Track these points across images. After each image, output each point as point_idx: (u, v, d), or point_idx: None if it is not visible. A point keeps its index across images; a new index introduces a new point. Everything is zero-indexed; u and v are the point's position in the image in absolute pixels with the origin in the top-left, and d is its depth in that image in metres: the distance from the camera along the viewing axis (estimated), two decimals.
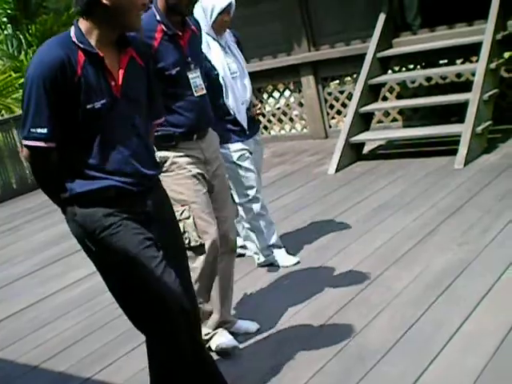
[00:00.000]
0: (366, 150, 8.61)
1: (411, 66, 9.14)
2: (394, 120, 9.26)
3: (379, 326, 4.12)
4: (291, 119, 10.46)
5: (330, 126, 9.93)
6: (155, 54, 3.78)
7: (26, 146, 3.01)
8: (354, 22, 9.21)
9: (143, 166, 3.13)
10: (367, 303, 4.41)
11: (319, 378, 3.68)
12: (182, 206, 3.89)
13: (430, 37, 8.60)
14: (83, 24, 3.02)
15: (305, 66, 9.76)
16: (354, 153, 8.30)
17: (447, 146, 7.67)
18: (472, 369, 3.44)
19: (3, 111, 16.44)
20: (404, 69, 9.18)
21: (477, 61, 7.79)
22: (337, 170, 7.96)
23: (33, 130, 2.94)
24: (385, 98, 9.20)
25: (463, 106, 7.54)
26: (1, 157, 10.83)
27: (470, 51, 8.18)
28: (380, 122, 9.34)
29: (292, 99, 10.30)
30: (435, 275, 4.63)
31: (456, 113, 8.11)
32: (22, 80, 16.92)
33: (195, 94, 4.00)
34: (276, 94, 10.57)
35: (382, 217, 6.06)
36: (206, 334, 4.09)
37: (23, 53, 17.54)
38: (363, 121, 8.49)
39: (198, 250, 3.93)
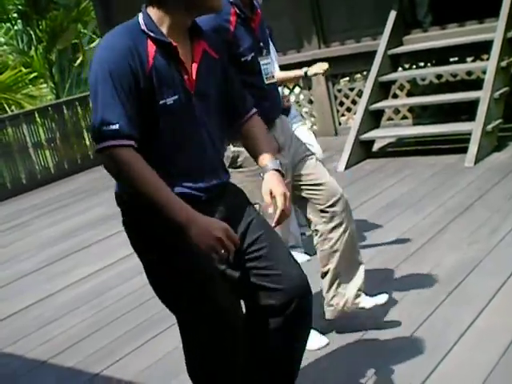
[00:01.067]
0: (375, 147, 8.59)
1: (421, 64, 9.10)
2: (404, 118, 9.23)
3: (390, 323, 4.10)
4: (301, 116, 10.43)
5: (340, 124, 9.90)
6: (232, 40, 3.52)
7: (101, 150, 2.60)
8: (364, 19, 9.19)
9: (213, 172, 2.85)
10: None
11: (328, 374, 3.67)
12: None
13: (440, 34, 8.56)
14: (153, 12, 2.75)
15: (315, 63, 9.69)
16: (363, 150, 8.27)
17: (457, 144, 7.64)
18: (483, 366, 3.42)
19: (13, 106, 16.52)
20: (414, 66, 9.14)
21: (487, 59, 7.75)
22: (346, 168, 7.94)
23: (104, 127, 2.58)
24: (395, 96, 9.16)
25: (473, 104, 7.51)
26: (10, 152, 10.83)
27: (480, 49, 8.14)
28: (390, 119, 9.30)
29: (302, 96, 10.28)
30: (445, 273, 4.61)
31: (466, 111, 8.07)
32: (33, 75, 17.03)
33: (266, 82, 3.72)
34: (286, 91, 10.53)
35: (391, 215, 6.04)
36: None
37: (33, 48, 17.60)
38: (373, 118, 8.47)
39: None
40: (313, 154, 4.03)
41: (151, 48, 2.68)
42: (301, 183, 3.87)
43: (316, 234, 3.95)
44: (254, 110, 3.08)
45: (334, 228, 3.90)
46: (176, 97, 2.69)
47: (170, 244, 2.71)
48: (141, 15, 2.80)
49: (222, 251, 2.59)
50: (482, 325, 3.85)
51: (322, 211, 3.89)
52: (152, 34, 2.70)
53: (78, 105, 11.81)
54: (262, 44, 3.71)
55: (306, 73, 4.87)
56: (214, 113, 2.88)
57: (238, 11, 3.61)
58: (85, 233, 7.51)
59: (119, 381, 4.10)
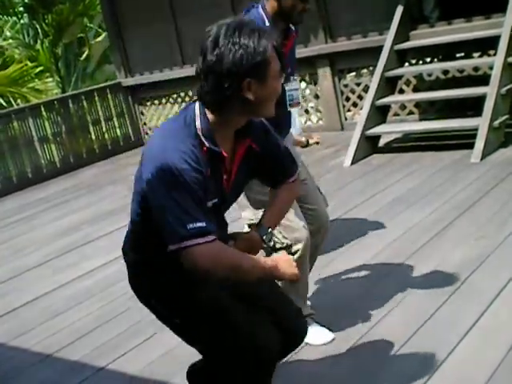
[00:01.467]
0: (381, 142, 8.57)
1: (428, 59, 9.08)
2: (411, 113, 9.21)
3: (395, 319, 4.10)
4: (307, 111, 10.42)
5: (346, 119, 9.89)
6: None
7: (187, 252, 2.59)
8: (371, 13, 9.16)
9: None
10: (383, 296, 4.37)
11: (333, 369, 3.67)
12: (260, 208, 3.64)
13: (447, 30, 8.53)
14: (210, 116, 2.72)
15: (321, 57, 9.71)
16: (369, 145, 8.26)
17: (463, 140, 7.62)
18: (489, 362, 3.41)
19: (19, 100, 16.55)
20: (421, 62, 9.12)
21: (494, 54, 7.72)
22: (352, 163, 7.93)
23: (190, 225, 2.56)
24: (401, 91, 9.14)
25: (479, 99, 7.49)
26: (16, 146, 10.83)
27: (487, 44, 8.11)
28: (396, 114, 9.28)
29: (308, 91, 10.27)
30: (452, 269, 4.60)
31: (472, 107, 8.05)
32: (38, 69, 17.04)
33: (288, 108, 3.80)
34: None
35: (397, 210, 6.03)
36: None
37: (39, 42, 17.62)
38: (379, 113, 8.45)
39: (286, 251, 3.70)
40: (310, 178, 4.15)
41: (204, 154, 2.68)
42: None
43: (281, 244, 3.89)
44: (293, 178, 3.13)
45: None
46: (216, 200, 2.76)
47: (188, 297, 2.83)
48: (197, 114, 2.74)
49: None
50: (487, 322, 3.84)
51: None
52: (207, 144, 2.69)
53: (83, 99, 11.80)
54: (289, 70, 3.73)
55: (307, 141, 4.87)
56: (239, 193, 3.08)
57: None
58: (90, 227, 7.51)
59: (124, 375, 4.10)
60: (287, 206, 3.20)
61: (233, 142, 2.82)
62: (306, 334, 3.16)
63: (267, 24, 3.64)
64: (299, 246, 3.74)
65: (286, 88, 3.70)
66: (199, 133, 2.69)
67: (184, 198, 2.58)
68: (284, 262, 2.80)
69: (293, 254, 3.71)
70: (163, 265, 2.80)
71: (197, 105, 2.75)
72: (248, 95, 2.64)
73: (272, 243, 3.23)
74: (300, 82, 10.10)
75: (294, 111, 4.44)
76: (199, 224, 2.57)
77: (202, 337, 2.89)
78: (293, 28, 3.86)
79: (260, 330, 2.81)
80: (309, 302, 4.10)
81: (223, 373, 2.90)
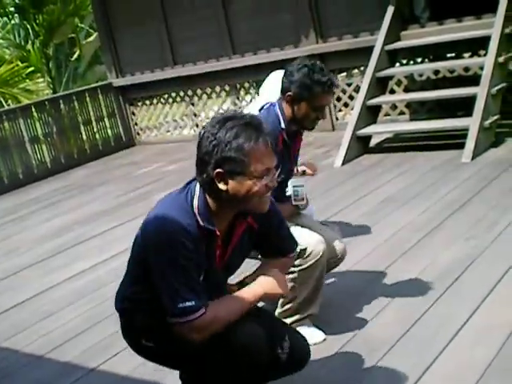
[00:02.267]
0: (372, 142, 8.58)
1: (419, 59, 9.11)
2: (402, 113, 9.23)
3: (386, 319, 4.11)
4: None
5: (337, 119, 9.90)
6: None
7: (179, 327, 2.79)
8: (362, 14, 9.18)
9: None
10: (374, 296, 4.39)
11: (325, 370, 3.67)
12: None
13: (438, 30, 8.55)
14: (207, 196, 2.85)
15: (312, 57, 9.68)
16: (360, 146, 8.27)
17: (454, 140, 7.63)
18: (479, 362, 3.42)
19: (10, 101, 16.50)
20: (412, 62, 9.15)
21: (485, 54, 7.76)
22: (343, 163, 7.94)
23: (182, 304, 2.74)
24: (392, 91, 9.17)
25: (470, 100, 7.51)
26: (7, 146, 10.81)
27: (478, 45, 8.15)
28: (387, 114, 9.30)
29: None
30: (442, 269, 4.62)
31: (463, 107, 8.07)
32: (29, 70, 17.00)
33: (293, 203, 3.94)
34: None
35: (388, 210, 6.04)
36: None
37: (30, 42, 17.58)
38: (370, 114, 8.46)
39: (301, 256, 3.74)
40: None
41: (200, 232, 2.79)
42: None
43: None
44: (291, 254, 3.25)
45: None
46: (203, 274, 2.84)
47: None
48: (196, 195, 2.86)
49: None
50: (477, 321, 3.85)
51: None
52: (201, 222, 2.80)
53: (74, 99, 11.78)
54: (293, 166, 3.97)
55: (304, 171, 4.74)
56: (236, 268, 3.14)
57: (285, 137, 3.80)
58: (82, 227, 7.50)
59: (116, 375, 4.10)
60: (280, 283, 3.14)
61: (231, 221, 2.94)
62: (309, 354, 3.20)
63: (282, 124, 3.80)
64: (316, 258, 3.78)
65: (291, 185, 3.87)
66: (196, 211, 2.81)
67: (177, 275, 2.75)
68: (269, 284, 2.91)
69: (306, 262, 3.76)
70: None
71: (198, 184, 2.88)
72: (221, 186, 2.76)
73: None
74: None
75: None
76: (188, 304, 2.74)
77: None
78: (301, 131, 4.00)
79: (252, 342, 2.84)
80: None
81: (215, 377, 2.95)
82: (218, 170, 2.73)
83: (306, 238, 3.76)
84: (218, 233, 2.85)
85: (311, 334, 3.94)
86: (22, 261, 6.77)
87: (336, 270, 4.91)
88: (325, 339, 3.96)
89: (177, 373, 3.30)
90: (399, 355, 3.66)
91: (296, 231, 3.57)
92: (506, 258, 4.56)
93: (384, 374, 3.54)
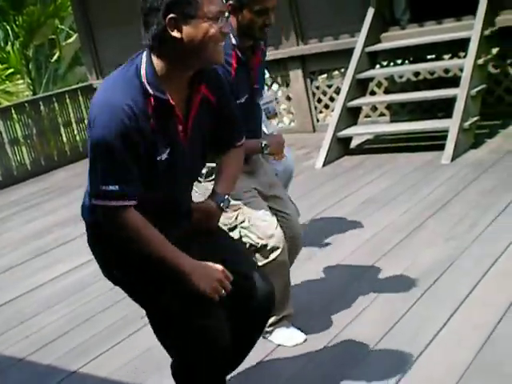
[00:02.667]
0: (353, 144, 8.60)
1: (399, 61, 9.13)
2: (382, 115, 9.25)
3: (366, 320, 4.12)
4: (278, 113, 10.43)
5: (318, 120, 9.90)
6: (232, 83, 3.48)
7: (97, 206, 2.71)
8: (342, 16, 9.19)
9: (186, 214, 2.99)
10: (354, 297, 4.40)
11: (307, 369, 3.68)
12: (234, 211, 3.66)
13: (418, 32, 8.59)
14: (156, 61, 2.69)
15: (293, 59, 9.73)
16: (341, 147, 8.29)
17: (434, 141, 7.67)
18: (459, 363, 3.44)
19: None
20: (392, 63, 9.18)
21: (465, 56, 7.79)
22: (324, 165, 7.95)
23: (104, 187, 2.63)
24: (373, 93, 9.19)
25: (450, 101, 7.55)
26: None
27: (458, 47, 8.18)
28: (368, 116, 9.32)
29: (280, 93, 10.28)
30: (422, 270, 4.63)
31: (443, 108, 8.12)
32: (9, 71, 16.92)
33: (268, 120, 3.86)
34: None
35: (369, 211, 6.06)
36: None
37: (10, 44, 17.48)
38: (351, 115, 8.48)
39: (262, 252, 3.71)
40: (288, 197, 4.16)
41: (151, 105, 2.65)
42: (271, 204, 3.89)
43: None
44: (240, 142, 3.13)
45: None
46: (169, 150, 2.71)
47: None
48: (143, 62, 2.72)
49: (222, 291, 2.75)
50: (457, 322, 3.87)
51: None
52: (150, 91, 2.65)
53: (54, 101, 11.71)
54: (256, 85, 3.75)
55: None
56: (199, 156, 2.94)
57: (239, 54, 3.63)
58: (63, 229, 7.47)
59: (97, 378, 4.09)
60: (237, 172, 3.19)
61: (187, 92, 2.79)
62: (272, 292, 3.13)
63: (233, 40, 3.63)
64: (277, 253, 3.72)
65: (261, 103, 3.73)
66: (144, 81, 2.66)
67: (108, 158, 2.61)
68: (202, 276, 2.74)
69: (267, 258, 3.71)
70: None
71: (145, 53, 2.75)
72: (175, 33, 2.61)
73: (228, 209, 3.20)
74: (272, 83, 10.12)
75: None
76: (111, 188, 2.62)
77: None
78: (262, 44, 3.87)
79: (212, 323, 2.79)
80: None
81: (181, 365, 2.94)
82: (170, 15, 2.59)
83: (265, 232, 3.70)
84: (171, 102, 2.68)
85: (291, 336, 3.95)
86: (3, 263, 6.73)
87: (316, 270, 4.94)
88: (305, 340, 3.97)
89: (158, 376, 3.29)
90: (379, 357, 3.68)
91: (256, 222, 3.60)
92: (485, 258, 4.59)
93: (364, 375, 3.54)
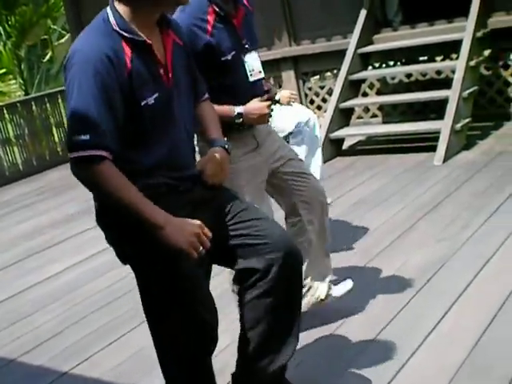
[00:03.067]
0: (345, 145, 8.61)
1: (391, 63, 9.15)
2: (374, 116, 9.27)
3: (357, 321, 4.13)
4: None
5: None
6: (210, 39, 3.44)
7: (72, 160, 2.66)
8: (335, 17, 9.20)
9: (188, 163, 2.93)
10: (345, 298, 4.39)
11: (298, 370, 3.67)
12: None
13: (410, 33, 8.60)
14: (121, 8, 2.71)
15: (285, 60, 9.74)
16: (333, 148, 8.29)
17: (426, 143, 7.69)
18: (450, 364, 3.45)
19: None
20: (384, 65, 9.19)
21: (457, 58, 7.81)
22: None
23: (75, 137, 2.59)
24: (365, 94, 9.20)
25: (442, 102, 7.57)
26: None
27: (450, 48, 8.19)
28: (360, 117, 9.33)
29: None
30: (414, 271, 4.64)
31: (435, 110, 8.13)
32: (1, 71, 16.90)
33: (250, 79, 3.64)
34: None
35: (360, 213, 6.07)
36: None
37: (2, 44, 17.45)
38: (343, 116, 8.50)
39: None
40: (300, 158, 4.06)
41: (127, 49, 2.66)
42: (286, 176, 3.85)
43: (293, 225, 3.94)
44: (207, 95, 3.14)
45: (310, 220, 3.90)
46: (156, 94, 2.71)
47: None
48: (110, 12, 2.75)
49: (201, 248, 2.65)
50: (448, 324, 3.88)
51: (305, 202, 3.89)
52: (125, 34, 2.68)
53: (47, 101, 11.70)
54: (244, 41, 3.62)
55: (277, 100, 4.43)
56: (186, 102, 2.91)
57: (216, 9, 3.50)
58: (55, 230, 7.46)
59: (88, 379, 4.09)
60: (217, 120, 3.14)
61: (158, 37, 2.81)
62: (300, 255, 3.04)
63: None
64: None
65: (245, 59, 3.59)
66: (116, 28, 2.69)
67: (81, 106, 2.59)
68: (178, 230, 2.64)
69: None
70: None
71: (108, 6, 2.78)
72: None
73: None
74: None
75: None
76: (82, 137, 2.57)
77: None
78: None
79: (204, 309, 2.79)
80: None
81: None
82: None
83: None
84: (148, 41, 2.71)
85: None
86: None
87: None
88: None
89: (152, 376, 3.29)
90: (370, 358, 3.68)
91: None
92: (476, 261, 4.59)
93: (354, 376, 3.55)
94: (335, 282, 4.24)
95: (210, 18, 3.49)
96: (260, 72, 3.69)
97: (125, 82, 2.64)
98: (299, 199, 3.89)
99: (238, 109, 3.57)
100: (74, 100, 2.61)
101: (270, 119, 3.75)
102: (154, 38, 2.77)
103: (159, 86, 2.74)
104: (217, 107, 3.25)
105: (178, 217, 2.69)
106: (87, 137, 2.57)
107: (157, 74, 2.75)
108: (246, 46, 3.63)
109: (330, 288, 4.10)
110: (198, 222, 2.69)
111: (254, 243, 2.89)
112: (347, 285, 4.21)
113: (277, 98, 4.26)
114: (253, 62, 3.64)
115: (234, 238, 2.92)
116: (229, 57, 3.53)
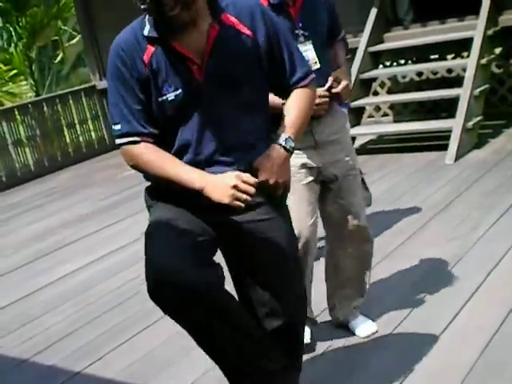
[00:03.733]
0: (356, 144, 8.59)
1: (402, 61, 9.13)
2: (385, 115, 9.26)
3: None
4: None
5: None
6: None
7: (117, 146, 2.86)
8: (345, 16, 9.10)
9: (237, 147, 2.83)
10: None
11: (308, 372, 3.66)
12: None
13: (421, 32, 8.58)
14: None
15: None
16: None
17: (438, 141, 7.67)
18: (463, 363, 3.44)
19: None
20: (395, 63, 9.18)
21: (468, 56, 7.79)
22: None
23: (112, 127, 2.82)
24: (376, 93, 9.19)
25: (453, 101, 7.55)
26: None
27: (461, 46, 8.17)
28: (371, 116, 9.33)
29: None
30: (425, 270, 4.63)
31: (446, 108, 8.12)
32: (12, 72, 16.94)
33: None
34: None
35: (371, 211, 6.04)
36: None
37: (13, 45, 17.50)
38: (354, 115, 8.46)
39: None
40: (359, 173, 3.96)
41: (149, 46, 2.75)
42: (336, 199, 3.74)
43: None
44: (304, 82, 2.93)
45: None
46: (179, 91, 2.72)
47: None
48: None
49: (244, 196, 2.67)
50: (460, 323, 3.87)
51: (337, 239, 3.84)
52: (147, 34, 2.77)
53: (58, 102, 11.72)
54: (299, 30, 3.52)
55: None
56: (230, 94, 2.79)
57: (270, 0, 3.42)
58: (66, 230, 7.47)
59: (100, 379, 4.09)
60: (305, 114, 2.95)
61: (206, 28, 2.73)
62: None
63: None
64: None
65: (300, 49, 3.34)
66: (146, 24, 2.82)
67: (111, 98, 2.82)
68: (216, 187, 2.68)
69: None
70: None
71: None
72: None
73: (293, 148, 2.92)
74: None
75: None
76: (116, 127, 2.80)
77: None
78: None
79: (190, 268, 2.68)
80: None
81: None
82: None
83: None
84: (171, 43, 2.72)
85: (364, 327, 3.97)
86: (6, 264, 6.74)
87: (317, 270, 4.91)
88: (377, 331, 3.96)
89: (163, 376, 3.29)
90: (383, 357, 3.67)
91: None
92: (489, 259, 4.58)
93: (367, 375, 3.55)
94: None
95: (265, 1, 3.41)
96: (316, 63, 3.57)
97: (143, 77, 2.74)
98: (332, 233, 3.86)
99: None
100: (108, 93, 2.84)
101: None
102: (190, 34, 2.71)
103: (185, 81, 2.73)
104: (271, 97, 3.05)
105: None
106: (118, 126, 2.79)
107: (183, 70, 2.73)
108: (300, 36, 3.54)
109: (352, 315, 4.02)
110: (235, 172, 2.72)
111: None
112: (371, 327, 4.00)
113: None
114: (306, 53, 3.51)
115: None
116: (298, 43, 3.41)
